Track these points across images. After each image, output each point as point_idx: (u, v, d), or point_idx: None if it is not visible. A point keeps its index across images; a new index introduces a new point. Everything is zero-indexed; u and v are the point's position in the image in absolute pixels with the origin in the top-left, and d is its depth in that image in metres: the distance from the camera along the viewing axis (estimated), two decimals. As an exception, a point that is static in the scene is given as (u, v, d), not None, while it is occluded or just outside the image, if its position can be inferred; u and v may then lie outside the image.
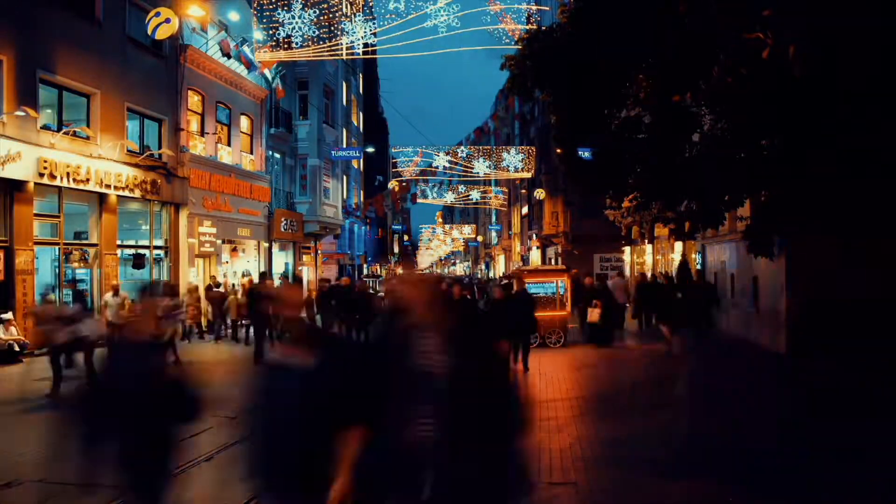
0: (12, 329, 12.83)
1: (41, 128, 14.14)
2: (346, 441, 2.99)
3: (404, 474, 3.14)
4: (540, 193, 38.16)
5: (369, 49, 24.29)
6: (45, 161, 13.90)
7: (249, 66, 22.71)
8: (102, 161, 15.68)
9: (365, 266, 47.05)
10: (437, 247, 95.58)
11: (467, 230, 78.15)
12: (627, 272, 30.61)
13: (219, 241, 21.48)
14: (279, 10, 20.77)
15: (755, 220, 11.33)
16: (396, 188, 42.78)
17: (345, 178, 35.17)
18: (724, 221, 13.34)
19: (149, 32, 16.74)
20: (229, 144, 22.67)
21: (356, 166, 40.65)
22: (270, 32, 21.20)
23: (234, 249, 23.69)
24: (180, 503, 4.25)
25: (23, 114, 13.25)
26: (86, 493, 4.07)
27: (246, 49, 22.36)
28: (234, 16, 22.52)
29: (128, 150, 16.73)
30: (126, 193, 16.51)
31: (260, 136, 24.77)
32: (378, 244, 57.31)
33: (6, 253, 13.20)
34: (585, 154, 13.35)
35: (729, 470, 6.30)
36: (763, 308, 13.85)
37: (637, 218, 24.15)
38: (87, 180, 15.13)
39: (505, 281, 18.85)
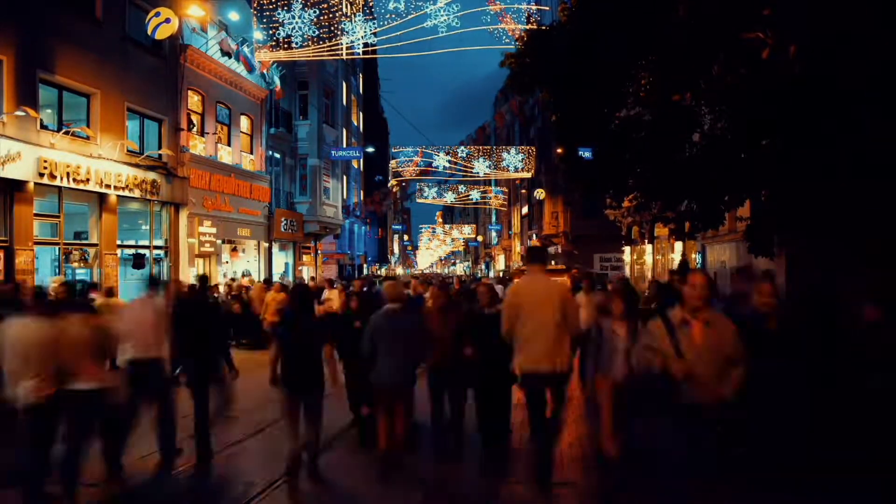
0: None
1: (41, 128, 14.13)
2: None
3: None
4: (540, 193, 38.16)
5: (369, 49, 24.29)
6: (45, 161, 13.89)
7: (249, 66, 22.72)
8: (102, 161, 15.67)
9: (365, 266, 47.03)
10: (438, 247, 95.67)
11: (467, 230, 78.31)
12: (627, 272, 30.64)
13: (219, 241, 21.48)
14: (279, 10, 20.78)
15: (755, 219, 11.30)
16: (396, 189, 42.79)
17: (345, 178, 35.17)
18: (724, 221, 13.30)
19: (149, 32, 16.74)
20: (229, 144, 22.67)
21: (356, 166, 40.65)
22: (270, 32, 21.20)
23: (234, 249, 23.70)
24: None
25: (23, 114, 13.24)
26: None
27: (246, 49, 22.37)
28: (234, 16, 22.51)
29: (128, 150, 16.72)
30: (126, 193, 16.50)
31: (260, 136, 24.77)
32: (378, 244, 57.28)
33: (6, 253, 13.18)
34: (586, 154, 13.32)
35: (729, 470, 6.29)
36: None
37: (637, 218, 24.17)
38: (87, 180, 15.12)
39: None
